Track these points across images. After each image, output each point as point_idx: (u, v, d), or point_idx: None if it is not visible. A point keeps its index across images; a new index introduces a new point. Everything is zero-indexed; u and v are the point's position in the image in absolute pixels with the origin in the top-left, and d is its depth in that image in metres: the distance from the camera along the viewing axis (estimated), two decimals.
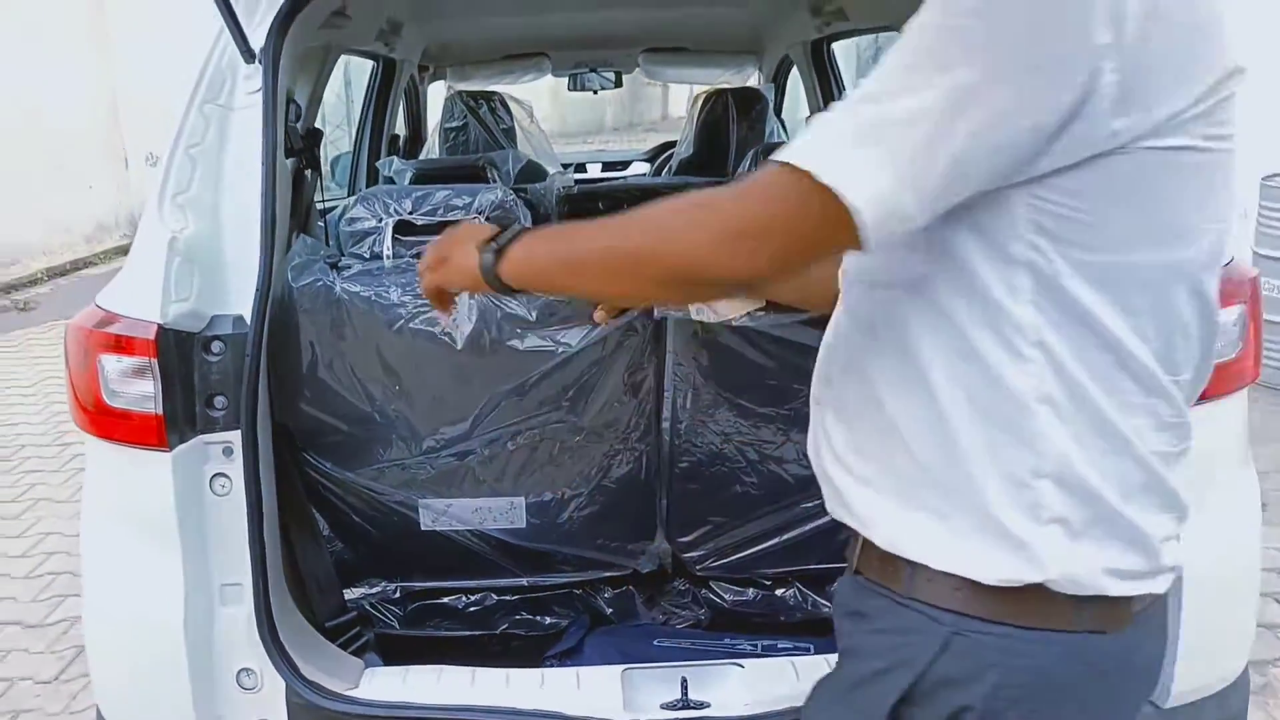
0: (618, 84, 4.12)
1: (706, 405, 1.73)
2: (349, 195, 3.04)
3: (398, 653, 1.77)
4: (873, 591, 0.95)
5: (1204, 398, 1.47)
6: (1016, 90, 0.76)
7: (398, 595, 1.88)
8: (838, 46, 3.58)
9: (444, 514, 1.74)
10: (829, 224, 0.79)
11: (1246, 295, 1.48)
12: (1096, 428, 0.85)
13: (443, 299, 1.18)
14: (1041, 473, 0.86)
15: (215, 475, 1.52)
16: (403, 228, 1.76)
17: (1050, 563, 0.86)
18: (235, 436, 1.51)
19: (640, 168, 4.45)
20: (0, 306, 7.73)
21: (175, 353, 1.48)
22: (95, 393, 1.52)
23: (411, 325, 1.62)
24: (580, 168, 4.44)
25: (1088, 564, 0.86)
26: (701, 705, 1.48)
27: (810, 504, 1.75)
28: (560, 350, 1.61)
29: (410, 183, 2.40)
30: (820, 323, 1.05)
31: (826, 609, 1.71)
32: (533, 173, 2.80)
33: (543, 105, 4.72)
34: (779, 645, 1.80)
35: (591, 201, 2.52)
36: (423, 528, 1.75)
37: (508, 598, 1.90)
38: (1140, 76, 0.76)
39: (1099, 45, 0.75)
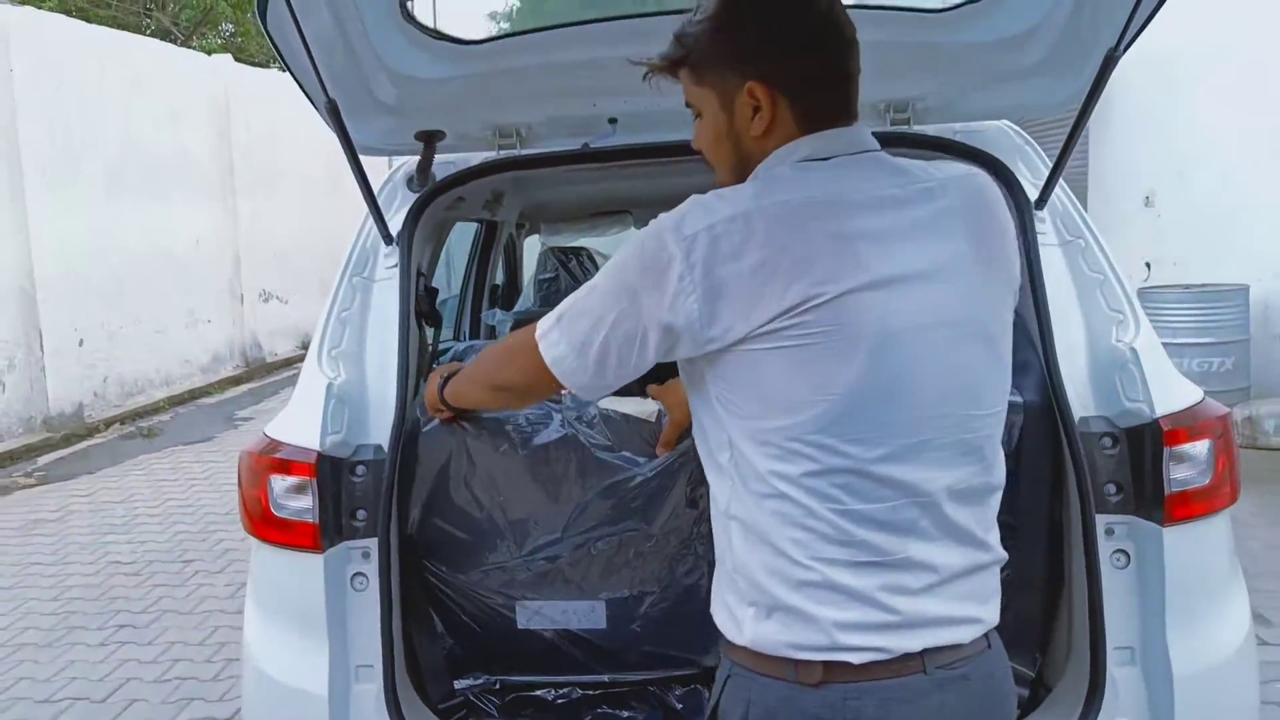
0: None
1: None
2: (454, 338, 3.47)
3: None
4: None
5: (1191, 518, 1.73)
6: (632, 310, 1.20)
7: (497, 687, 2.17)
8: None
9: (537, 614, 2.05)
10: (543, 372, 1.29)
11: (1217, 431, 1.74)
12: (761, 540, 1.19)
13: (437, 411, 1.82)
14: (732, 569, 1.24)
15: (355, 574, 1.87)
16: None
17: (748, 632, 1.22)
18: (372, 543, 1.86)
19: None
20: (126, 433, 8.43)
21: (329, 474, 1.85)
22: (264, 505, 1.89)
23: (520, 450, 1.98)
24: None
25: (772, 638, 1.20)
26: None
27: None
28: (633, 470, 1.95)
29: (509, 330, 2.82)
30: None
31: None
32: None
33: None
34: None
35: None
36: (519, 626, 2.05)
37: (591, 693, 2.17)
38: (712, 308, 1.15)
39: (682, 290, 1.15)
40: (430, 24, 2.00)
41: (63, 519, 6.03)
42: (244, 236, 11.22)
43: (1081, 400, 1.85)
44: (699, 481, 2.01)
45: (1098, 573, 1.78)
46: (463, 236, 4.06)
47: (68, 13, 10.82)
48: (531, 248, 4.68)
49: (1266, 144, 6.75)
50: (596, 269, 3.63)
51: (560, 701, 2.17)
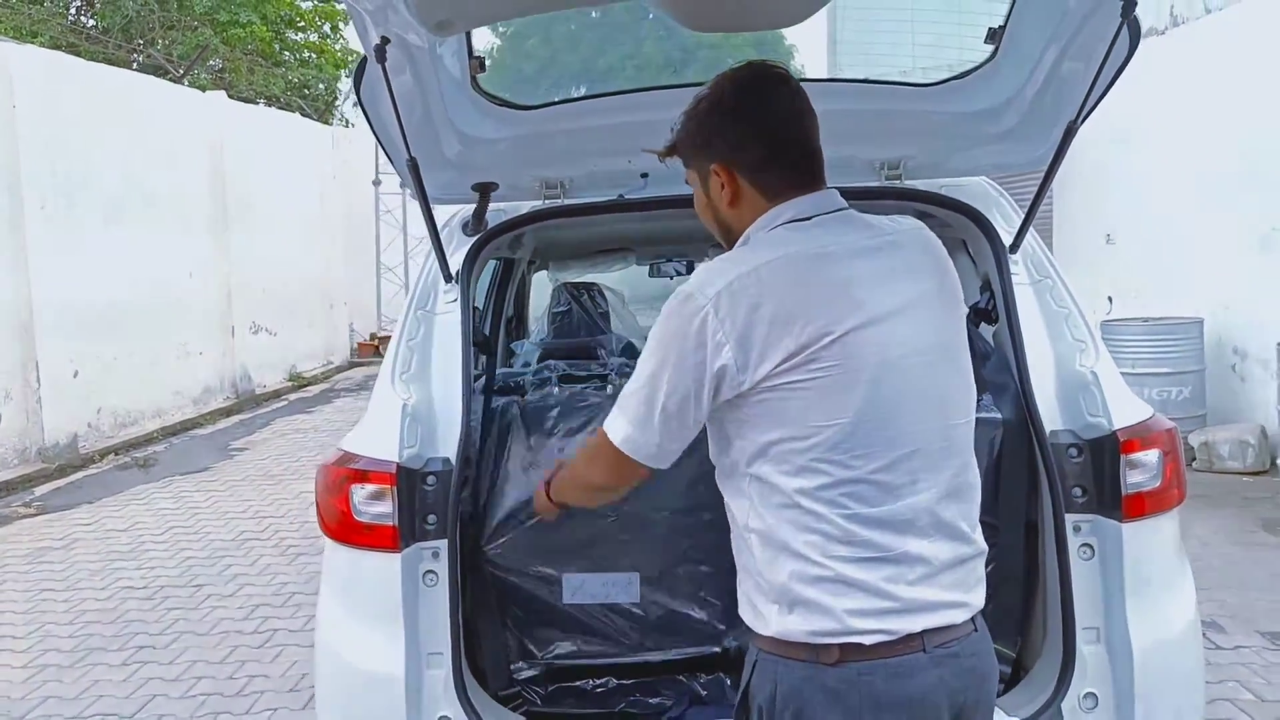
0: (689, 271, 4.86)
1: None
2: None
3: None
4: None
5: (1144, 515, 2.05)
6: (678, 373, 1.42)
7: (540, 676, 2.44)
8: None
9: (580, 589, 2.33)
10: (620, 458, 1.50)
11: (1165, 442, 2.07)
12: (780, 547, 1.41)
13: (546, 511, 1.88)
14: (755, 574, 1.44)
15: (427, 571, 2.13)
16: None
17: (774, 625, 1.42)
18: (442, 544, 2.13)
19: None
20: (122, 464, 8.55)
21: (406, 483, 2.12)
22: (344, 511, 2.15)
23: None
24: None
25: (795, 628, 1.41)
26: None
27: None
28: None
29: (538, 359, 3.11)
30: None
31: None
32: (629, 350, 3.49)
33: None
34: None
35: None
36: (565, 601, 2.33)
37: (625, 682, 2.44)
38: (745, 352, 1.37)
39: (718, 342, 1.38)
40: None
41: (68, 547, 6.16)
42: (235, 270, 11.43)
43: (1051, 416, 2.17)
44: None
45: (1067, 564, 2.08)
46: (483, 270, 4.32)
47: (58, 48, 11.03)
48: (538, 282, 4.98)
49: (1212, 189, 7.23)
50: (607, 303, 3.91)
51: (598, 691, 2.44)
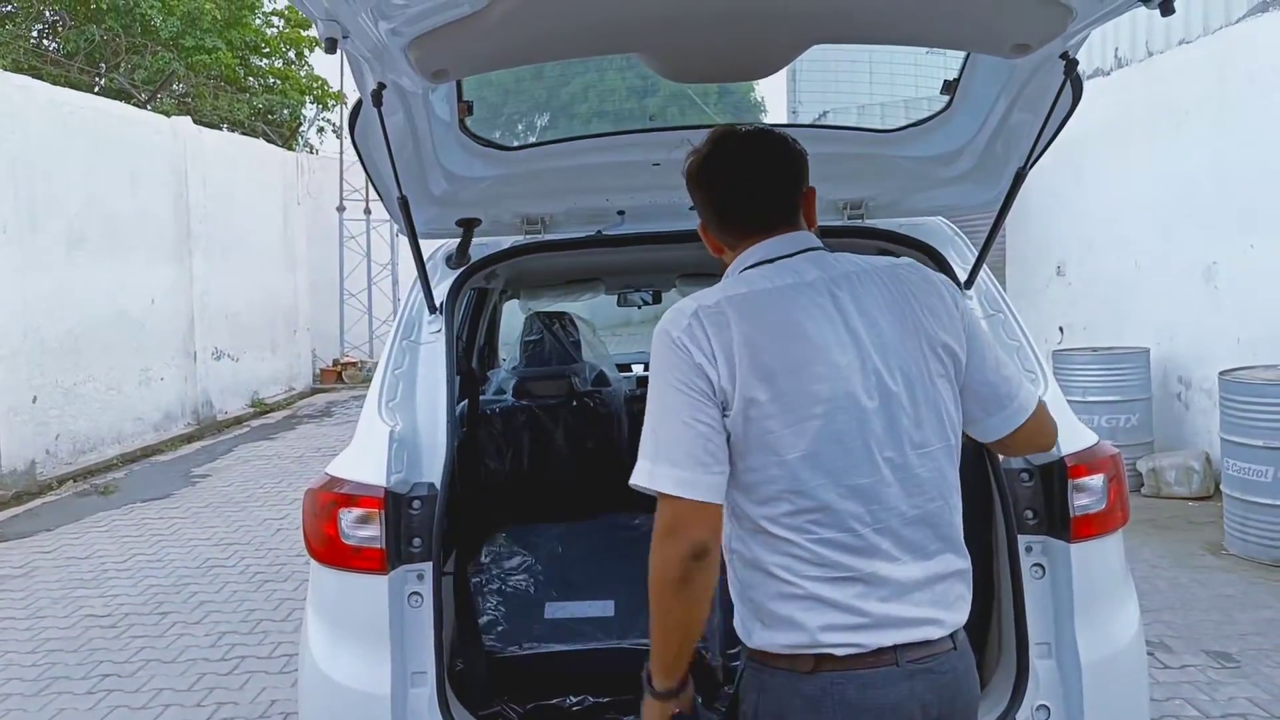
0: (656, 301, 4.99)
1: None
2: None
3: None
4: None
5: (1091, 536, 2.19)
6: (690, 396, 1.46)
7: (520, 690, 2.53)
8: None
9: (561, 610, 2.41)
10: (686, 508, 1.42)
11: (1109, 468, 2.22)
12: (755, 567, 1.50)
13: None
14: (740, 591, 1.53)
15: (412, 593, 2.21)
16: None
17: (756, 639, 1.51)
18: (426, 566, 2.21)
19: None
20: (81, 491, 8.44)
21: (393, 508, 2.20)
22: (332, 535, 2.22)
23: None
24: (627, 367, 5.27)
25: (774, 641, 1.49)
26: None
27: None
28: None
29: (513, 388, 3.21)
30: None
31: None
32: (601, 378, 3.60)
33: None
34: None
35: None
36: (546, 617, 2.42)
37: (603, 700, 2.52)
38: (729, 365, 1.45)
39: (703, 358, 1.46)
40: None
41: (29, 574, 6.08)
42: (198, 295, 11.37)
43: None
44: None
45: (1020, 583, 2.21)
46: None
47: (20, 71, 10.95)
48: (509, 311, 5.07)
49: (1157, 223, 7.53)
50: (579, 331, 4.02)
51: (576, 709, 2.52)
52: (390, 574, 2.18)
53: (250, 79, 18.94)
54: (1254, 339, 6.56)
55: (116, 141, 9.95)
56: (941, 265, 2.51)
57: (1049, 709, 2.19)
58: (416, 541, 2.21)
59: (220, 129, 14.86)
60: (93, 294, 9.39)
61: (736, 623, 1.58)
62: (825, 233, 1.73)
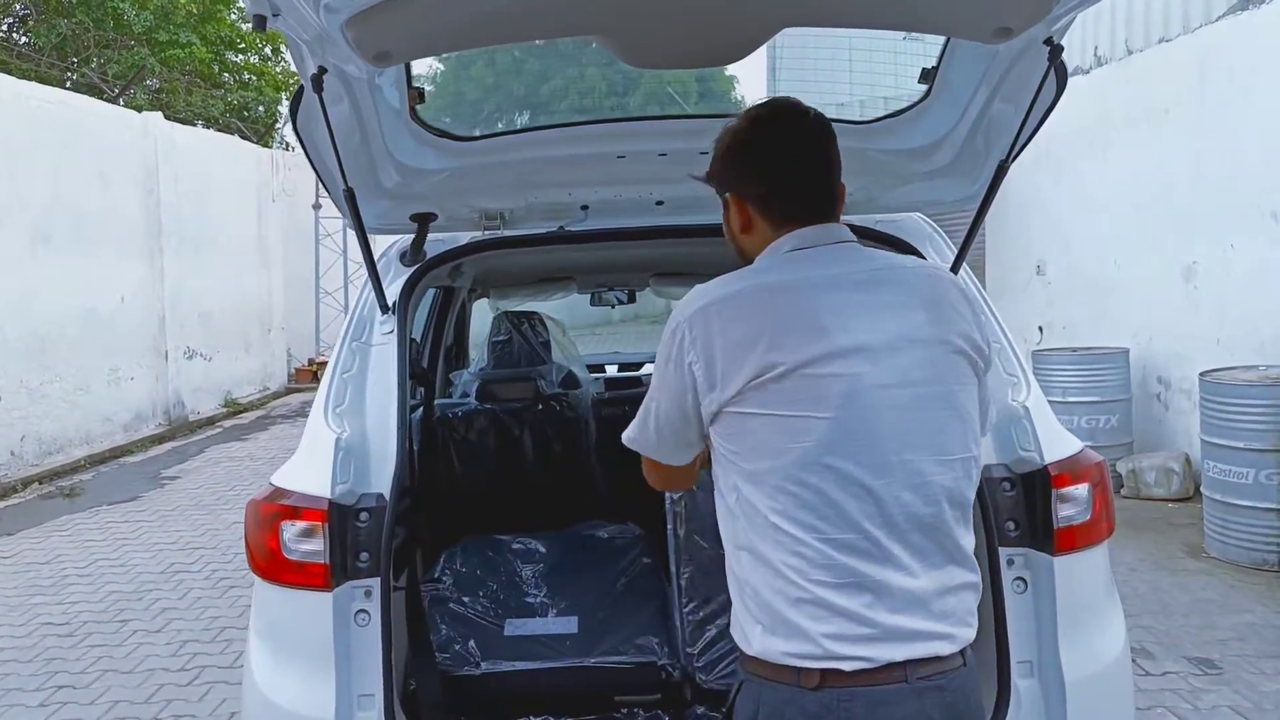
0: (631, 300, 4.87)
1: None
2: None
3: None
4: None
5: (1075, 548, 2.08)
6: (664, 388, 1.54)
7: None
8: None
9: (522, 627, 2.30)
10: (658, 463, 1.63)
11: (1094, 476, 2.11)
12: (765, 565, 1.43)
13: None
14: (744, 592, 1.46)
15: (359, 611, 2.08)
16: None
17: (756, 645, 1.44)
18: (374, 582, 2.08)
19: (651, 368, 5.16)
20: (45, 493, 8.25)
21: (338, 520, 2.07)
22: (274, 548, 2.09)
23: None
24: (600, 368, 5.15)
25: (776, 649, 1.42)
26: None
27: None
28: None
29: (476, 389, 3.08)
30: None
31: None
32: (569, 380, 3.47)
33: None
34: None
35: (618, 407, 3.18)
36: (506, 634, 2.30)
37: (567, 718, 2.40)
38: (710, 374, 1.46)
39: (690, 363, 1.48)
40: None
41: None
42: (170, 294, 11.16)
43: (984, 450, 2.19)
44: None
45: (1002, 598, 2.10)
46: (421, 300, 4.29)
47: None
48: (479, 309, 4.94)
49: (1137, 222, 7.49)
50: (549, 332, 3.91)
51: None
52: (335, 590, 2.05)
53: (225, 75, 18.68)
54: (1233, 339, 6.52)
55: (85, 137, 9.73)
56: None
57: None
58: (364, 556, 2.08)
59: (194, 125, 14.63)
60: (59, 292, 9.18)
61: (733, 629, 1.51)
62: None
